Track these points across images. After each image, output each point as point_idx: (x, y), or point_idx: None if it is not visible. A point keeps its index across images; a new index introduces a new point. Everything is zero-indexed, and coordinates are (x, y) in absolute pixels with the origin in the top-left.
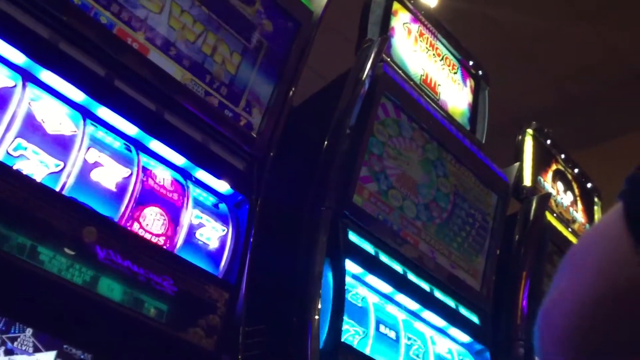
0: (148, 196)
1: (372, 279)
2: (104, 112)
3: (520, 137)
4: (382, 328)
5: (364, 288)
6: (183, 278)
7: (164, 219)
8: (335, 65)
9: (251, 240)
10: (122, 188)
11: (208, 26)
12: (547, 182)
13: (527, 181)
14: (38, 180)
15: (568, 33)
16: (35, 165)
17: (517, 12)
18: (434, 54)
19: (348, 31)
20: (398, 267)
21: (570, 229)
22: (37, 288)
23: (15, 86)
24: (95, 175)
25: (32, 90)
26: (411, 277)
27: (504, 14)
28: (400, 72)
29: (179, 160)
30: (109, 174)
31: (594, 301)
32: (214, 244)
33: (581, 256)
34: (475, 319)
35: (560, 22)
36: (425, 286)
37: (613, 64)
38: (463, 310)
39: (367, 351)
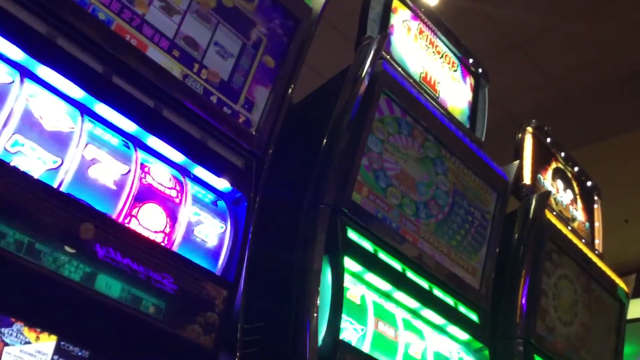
0: (146, 193)
1: (371, 277)
2: (102, 109)
3: (519, 135)
4: (380, 326)
5: (363, 286)
6: (181, 275)
7: (162, 216)
8: (335, 63)
9: (249, 237)
10: (120, 185)
11: (207, 23)
12: (547, 180)
13: (527, 179)
14: (35, 176)
15: (566, 31)
16: (33, 161)
17: (515, 10)
18: (433, 52)
19: (348, 29)
20: (397, 265)
21: (569, 227)
22: (34, 284)
23: (12, 82)
24: (92, 172)
25: (29, 86)
26: (410, 275)
27: (502, 11)
28: (399, 69)
29: (177, 157)
30: (107, 170)
31: None
32: (212, 242)
33: None
34: (474, 317)
35: (558, 19)
36: (424, 284)
37: (611, 62)
38: (462, 309)
39: (365, 349)
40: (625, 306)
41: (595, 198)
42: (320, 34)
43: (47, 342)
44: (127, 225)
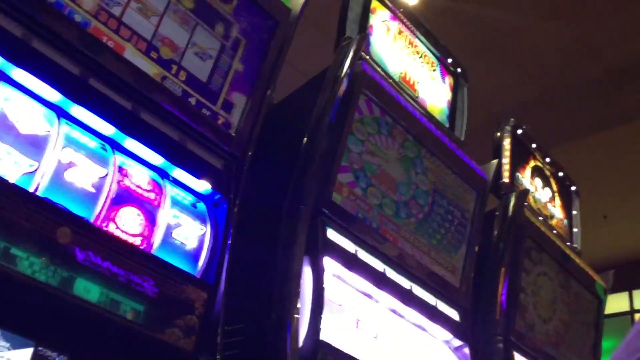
0: (124, 196)
1: (351, 277)
2: (78, 112)
3: (498, 134)
4: (361, 325)
5: (344, 286)
6: (160, 278)
7: (141, 219)
8: (316, 61)
9: (230, 239)
10: (97, 188)
11: (185, 24)
12: (526, 178)
13: (506, 178)
14: (11, 181)
15: (545, 30)
16: (9, 165)
17: (495, 10)
18: (413, 52)
19: (329, 26)
20: (378, 265)
21: (548, 225)
22: (11, 290)
23: None
24: (69, 176)
25: (5, 89)
26: (391, 274)
27: (482, 11)
28: (379, 69)
29: (156, 159)
30: (84, 174)
31: None
32: (192, 244)
33: None
34: (454, 315)
35: (537, 19)
36: (404, 283)
37: (589, 61)
38: (442, 307)
39: (346, 348)
40: (603, 302)
41: (574, 195)
42: (301, 32)
43: (25, 349)
44: (105, 229)
